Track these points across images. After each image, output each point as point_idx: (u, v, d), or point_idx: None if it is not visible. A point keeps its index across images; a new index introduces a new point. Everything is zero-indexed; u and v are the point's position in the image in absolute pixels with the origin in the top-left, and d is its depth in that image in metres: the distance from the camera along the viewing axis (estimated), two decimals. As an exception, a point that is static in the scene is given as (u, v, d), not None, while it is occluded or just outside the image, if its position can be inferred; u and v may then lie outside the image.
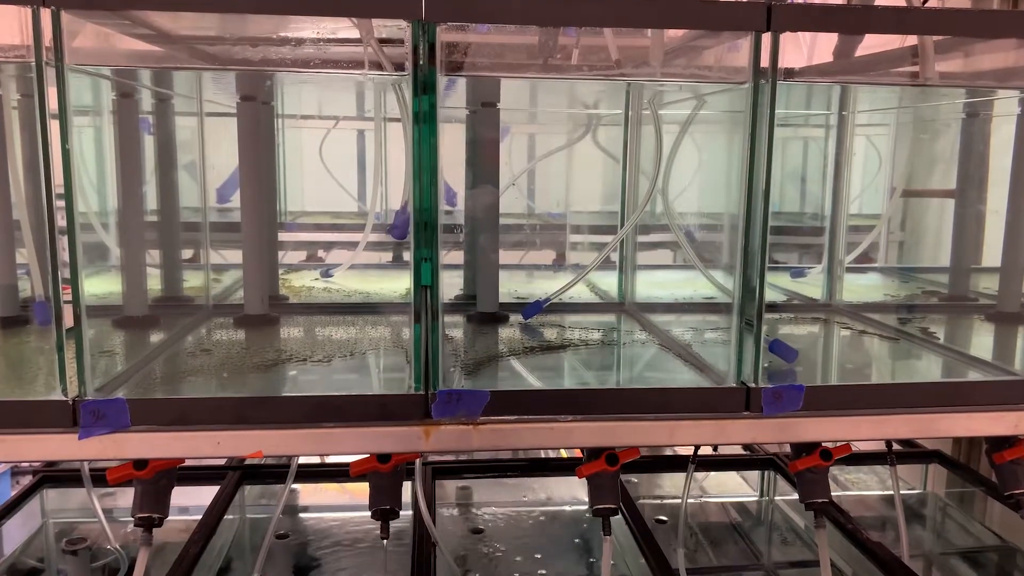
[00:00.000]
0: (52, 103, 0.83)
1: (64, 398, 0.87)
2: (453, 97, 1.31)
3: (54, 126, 0.83)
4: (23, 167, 1.19)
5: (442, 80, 0.88)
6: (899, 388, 1.02)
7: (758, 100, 0.91)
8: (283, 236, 2.14)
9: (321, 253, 2.25)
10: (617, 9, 0.89)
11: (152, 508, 0.94)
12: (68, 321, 0.87)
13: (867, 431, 1.00)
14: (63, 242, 0.85)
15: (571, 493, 1.61)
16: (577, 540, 1.46)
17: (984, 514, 1.62)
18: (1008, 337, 1.30)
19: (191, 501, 1.40)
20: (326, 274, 1.64)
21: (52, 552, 1.43)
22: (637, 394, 0.97)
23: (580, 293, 1.55)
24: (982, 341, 1.35)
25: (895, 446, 1.57)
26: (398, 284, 1.57)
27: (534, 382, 1.03)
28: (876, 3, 1.19)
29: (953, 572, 1.47)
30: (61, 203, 0.85)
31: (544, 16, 0.90)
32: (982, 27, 0.99)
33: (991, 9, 1.15)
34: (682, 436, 0.98)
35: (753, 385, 0.96)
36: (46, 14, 0.81)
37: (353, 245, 1.72)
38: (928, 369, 1.21)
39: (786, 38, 0.90)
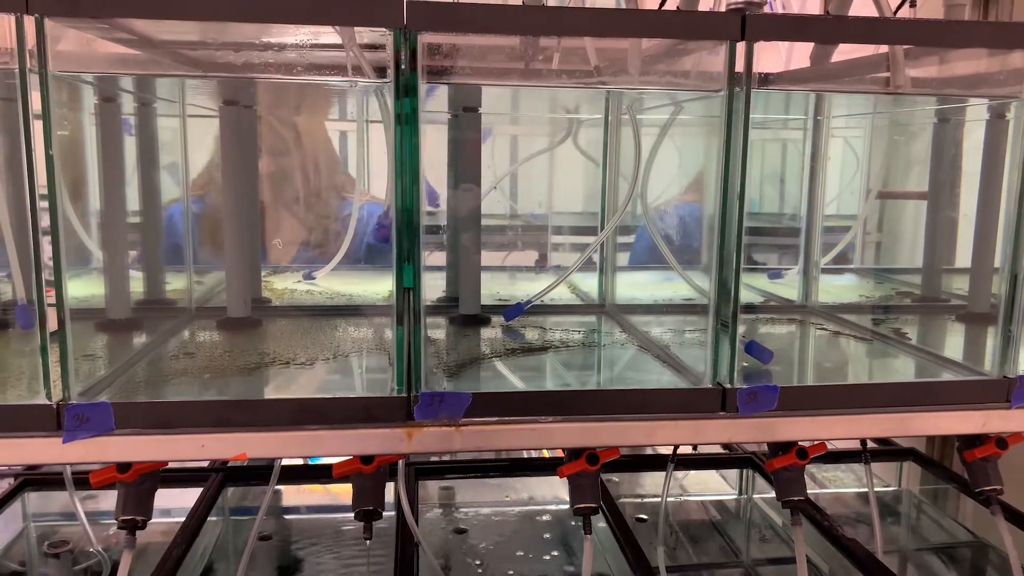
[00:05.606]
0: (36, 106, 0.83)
1: (48, 402, 0.87)
2: (435, 101, 1.32)
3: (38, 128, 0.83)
4: (3, 170, 1.18)
5: (423, 86, 0.89)
6: (871, 388, 1.05)
7: (734, 107, 0.93)
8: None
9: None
10: (595, 19, 0.91)
11: (135, 511, 0.95)
12: (51, 324, 0.88)
13: (840, 430, 1.03)
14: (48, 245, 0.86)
15: (553, 493, 1.63)
16: (559, 539, 1.47)
17: (957, 510, 1.65)
18: (977, 337, 1.33)
19: (174, 503, 1.40)
20: (308, 276, 1.65)
21: (34, 555, 1.43)
22: (616, 395, 0.99)
23: (561, 295, 1.57)
24: (952, 341, 1.38)
25: (871, 444, 1.60)
26: (381, 286, 1.58)
27: (516, 383, 1.04)
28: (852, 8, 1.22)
29: (926, 568, 1.50)
30: (44, 203, 0.85)
31: (524, 25, 0.91)
32: (952, 37, 1.01)
33: (961, 20, 1.18)
34: (660, 436, 1.00)
35: (729, 386, 0.98)
36: (30, 21, 0.81)
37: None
38: (900, 369, 1.24)
39: (765, 45, 0.92)
